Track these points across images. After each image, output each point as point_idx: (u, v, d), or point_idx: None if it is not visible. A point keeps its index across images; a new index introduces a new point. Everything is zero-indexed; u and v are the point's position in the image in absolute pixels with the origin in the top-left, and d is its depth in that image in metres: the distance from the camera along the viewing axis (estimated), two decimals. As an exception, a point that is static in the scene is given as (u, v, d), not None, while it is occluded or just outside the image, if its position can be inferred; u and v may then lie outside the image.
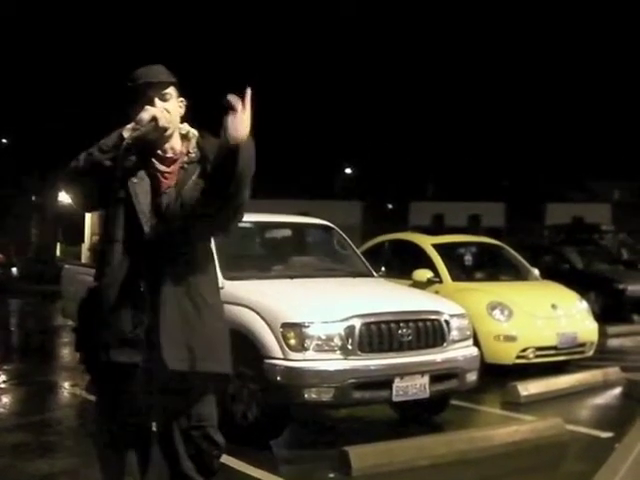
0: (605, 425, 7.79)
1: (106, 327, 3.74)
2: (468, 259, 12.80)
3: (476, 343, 8.20)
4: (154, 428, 3.99)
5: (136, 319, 3.71)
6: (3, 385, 10.16)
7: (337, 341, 6.69)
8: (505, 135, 49.47)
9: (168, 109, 3.80)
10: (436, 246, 11.87)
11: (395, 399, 6.92)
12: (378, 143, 50.92)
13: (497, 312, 10.51)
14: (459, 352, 7.43)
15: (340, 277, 8.59)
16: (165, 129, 3.78)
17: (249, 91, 3.48)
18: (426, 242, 12.08)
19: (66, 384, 10.33)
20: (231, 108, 3.43)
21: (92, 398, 8.81)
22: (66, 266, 12.11)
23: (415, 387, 6.93)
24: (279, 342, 6.64)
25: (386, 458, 6.15)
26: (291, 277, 8.04)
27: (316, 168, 50.26)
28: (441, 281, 11.20)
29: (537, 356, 10.43)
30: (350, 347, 6.71)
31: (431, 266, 11.41)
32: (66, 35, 47.78)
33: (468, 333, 7.69)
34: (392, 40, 53.56)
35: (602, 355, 11.80)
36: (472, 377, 7.52)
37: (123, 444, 3.87)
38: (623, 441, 6.47)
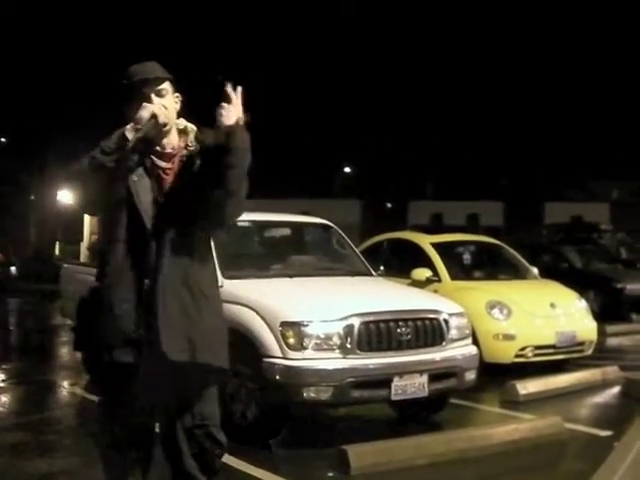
0: (604, 424, 7.79)
1: (109, 327, 3.76)
2: (467, 258, 12.80)
3: (475, 342, 8.19)
4: (157, 428, 4.00)
5: (140, 319, 3.72)
6: (2, 384, 10.15)
7: (336, 340, 6.69)
8: (504, 134, 49.47)
9: (165, 105, 3.82)
10: (435, 245, 11.87)
11: (394, 398, 6.92)
12: (377, 142, 50.91)
13: (496, 311, 10.51)
14: (458, 351, 7.43)
15: (339, 276, 8.59)
16: (164, 125, 3.79)
17: (239, 89, 3.56)
18: (425, 241, 12.08)
19: (65, 383, 10.33)
20: (226, 96, 3.51)
21: (92, 397, 8.86)
22: (65, 265, 12.13)
23: (414, 386, 6.93)
24: (278, 341, 6.64)
25: (385, 457, 6.15)
26: (290, 276, 8.04)
27: (315, 167, 50.24)
28: (440, 280, 11.20)
29: (536, 355, 10.43)
30: (349, 346, 6.72)
31: (430, 265, 11.41)
32: (65, 34, 47.75)
33: (467, 332, 7.69)
34: (392, 40, 53.56)
35: (601, 354, 11.80)
36: (471, 376, 7.53)
37: (126, 444, 3.88)
38: (622, 440, 6.47)
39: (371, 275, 8.91)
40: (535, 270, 12.56)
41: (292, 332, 6.64)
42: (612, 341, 14.39)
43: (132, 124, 3.71)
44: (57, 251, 42.58)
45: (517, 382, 8.92)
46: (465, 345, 7.60)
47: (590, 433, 7.53)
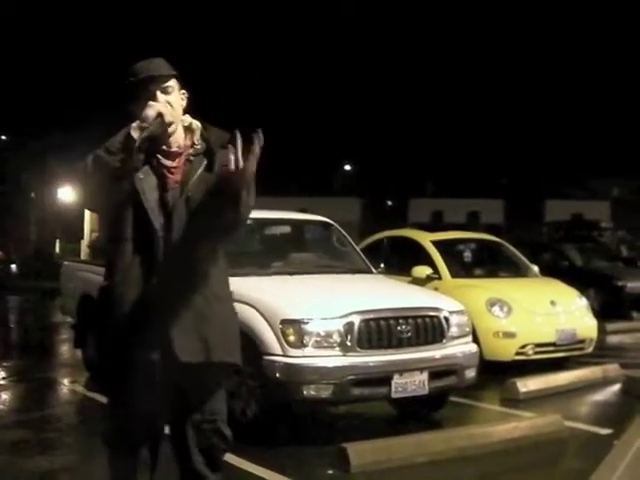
0: (604, 422, 7.79)
1: (119, 325, 3.73)
2: (467, 256, 12.80)
3: (475, 339, 8.19)
4: (165, 429, 4.00)
5: (149, 317, 3.69)
6: (3, 382, 10.16)
7: (336, 337, 6.69)
8: (504, 132, 49.48)
9: (171, 102, 3.77)
10: (435, 243, 11.87)
11: (394, 396, 6.92)
12: (377, 140, 50.93)
13: (496, 309, 10.51)
14: (458, 349, 7.43)
15: (339, 274, 8.59)
16: (170, 124, 3.75)
17: (260, 136, 3.41)
18: (425, 239, 12.08)
19: (65, 381, 10.33)
20: (234, 146, 3.40)
21: (92, 395, 8.88)
22: (65, 263, 12.11)
23: (414, 384, 6.93)
24: (278, 339, 6.65)
25: (385, 455, 6.15)
26: (290, 274, 8.04)
27: (315, 165, 50.28)
28: (440, 278, 11.20)
29: (536, 353, 10.43)
30: (349, 343, 6.72)
31: (430, 263, 11.41)
32: (66, 34, 47.76)
33: (467, 330, 7.69)
34: (392, 39, 53.63)
35: (601, 352, 11.81)
36: (471, 374, 7.53)
37: (135, 442, 3.87)
38: (622, 438, 6.47)
39: (371, 273, 8.91)
40: (535, 268, 12.56)
41: (292, 330, 6.64)
42: (612, 339, 14.39)
43: (137, 122, 3.65)
44: (57, 249, 42.62)
45: (517, 380, 8.92)
46: (465, 343, 7.60)
47: (590, 431, 7.52)
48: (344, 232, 9.43)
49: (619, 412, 8.48)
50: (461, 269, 11.99)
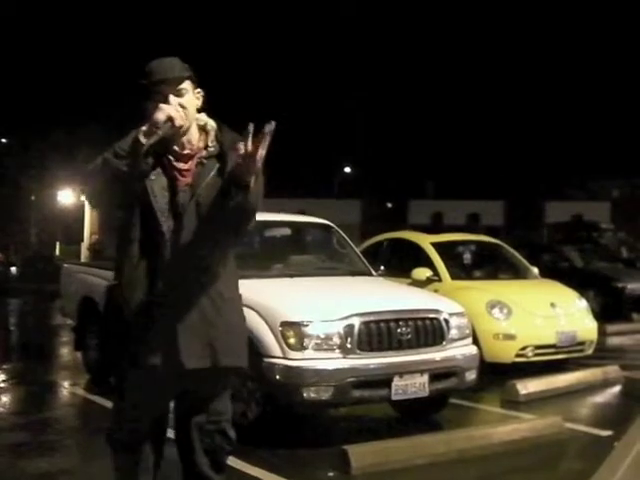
0: (604, 423, 7.78)
1: (125, 327, 3.72)
2: (467, 258, 12.80)
3: (475, 342, 8.19)
4: (169, 432, 4.00)
5: (155, 320, 3.67)
6: (3, 384, 10.15)
7: (336, 340, 6.69)
8: (504, 134, 49.49)
9: (184, 104, 3.68)
10: (435, 245, 11.86)
11: (394, 398, 6.92)
12: (377, 142, 50.96)
13: (496, 311, 10.50)
14: (458, 351, 7.43)
15: (339, 276, 8.59)
16: (181, 127, 3.67)
17: (271, 127, 3.38)
18: (425, 241, 12.07)
19: (65, 383, 10.32)
20: (252, 142, 3.36)
21: (92, 397, 8.87)
22: (65, 265, 12.11)
23: (414, 386, 6.93)
24: (278, 341, 6.65)
25: (385, 457, 6.15)
26: (290, 276, 8.04)
27: (316, 167, 50.31)
28: (440, 280, 11.19)
29: (536, 354, 10.42)
30: (349, 346, 6.72)
31: (430, 265, 11.40)
32: (68, 35, 47.77)
33: (467, 332, 7.69)
34: (392, 40, 53.64)
35: (601, 353, 11.80)
36: (471, 376, 7.52)
37: (139, 444, 3.86)
38: (622, 439, 6.46)
39: (371, 275, 8.91)
40: (535, 270, 12.56)
41: (292, 332, 6.65)
42: (613, 340, 14.38)
43: (146, 126, 3.57)
44: (57, 251, 42.64)
45: (517, 382, 8.91)
46: (465, 345, 7.60)
47: (591, 433, 7.52)
48: (344, 234, 9.43)
49: (619, 414, 8.48)
50: (461, 271, 12.00)
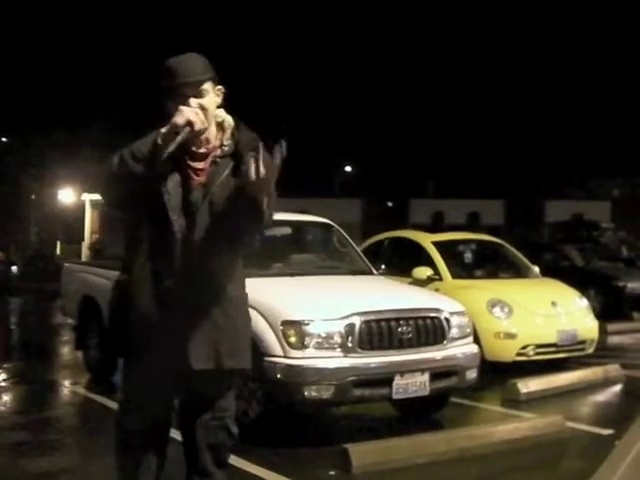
0: (605, 422, 7.78)
1: (134, 322, 3.71)
2: (468, 257, 12.79)
3: (476, 340, 8.19)
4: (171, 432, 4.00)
5: (162, 319, 3.66)
6: (3, 383, 10.16)
7: (337, 339, 6.69)
8: (504, 133, 49.48)
9: (204, 105, 3.62)
10: (436, 244, 11.86)
11: (395, 396, 6.92)
12: (378, 141, 50.96)
13: (497, 309, 10.50)
14: (459, 349, 7.43)
15: (340, 275, 8.59)
16: (200, 131, 3.61)
17: (283, 147, 3.34)
18: (426, 240, 12.07)
19: (66, 382, 10.32)
20: (256, 155, 3.31)
21: (93, 396, 8.88)
22: (66, 265, 12.11)
23: (415, 385, 6.93)
24: (279, 340, 6.64)
25: (386, 455, 6.16)
26: (291, 275, 8.04)
27: (316, 166, 50.29)
28: (441, 279, 11.19)
29: (537, 353, 10.43)
30: (350, 345, 6.72)
31: (431, 264, 11.40)
32: (66, 36, 47.78)
33: (468, 330, 7.69)
34: (392, 39, 53.66)
35: (602, 352, 11.80)
36: (472, 374, 7.52)
37: (144, 442, 3.85)
38: (623, 438, 6.47)
39: (372, 274, 8.91)
40: (536, 269, 12.56)
41: (293, 331, 6.65)
42: (613, 339, 14.37)
43: (166, 128, 3.53)
44: (58, 250, 42.65)
45: (518, 381, 8.92)
46: (466, 344, 7.60)
47: (592, 432, 7.52)
48: (345, 233, 9.43)
49: (620, 412, 8.49)
50: (462, 270, 11.99)
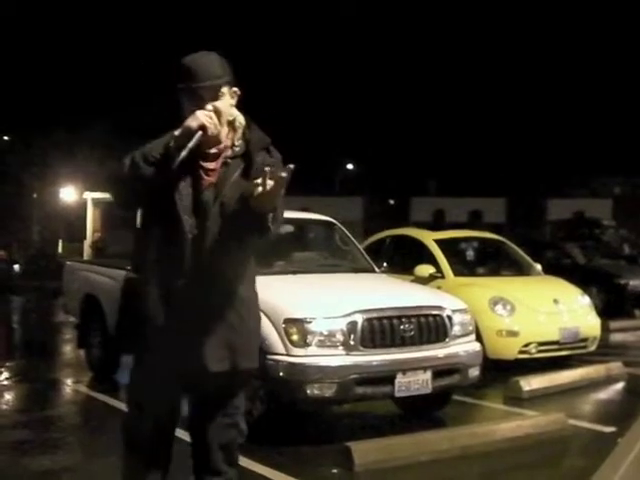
0: (608, 420, 7.78)
1: (144, 321, 3.69)
2: (470, 254, 12.79)
3: (478, 338, 8.18)
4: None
5: (174, 319, 3.64)
6: (6, 382, 10.17)
7: (339, 337, 6.69)
8: (506, 131, 49.46)
9: (219, 108, 3.61)
10: (438, 241, 11.86)
11: (397, 394, 6.92)
12: (379, 139, 50.97)
13: (499, 307, 10.50)
14: (461, 347, 7.42)
15: (342, 273, 8.59)
16: (213, 135, 3.59)
17: (290, 169, 3.38)
18: (428, 237, 12.07)
19: (68, 381, 10.33)
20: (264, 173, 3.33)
21: (95, 395, 8.88)
22: (68, 263, 12.11)
23: (417, 382, 6.93)
24: (281, 338, 6.64)
25: (388, 453, 6.16)
26: (293, 273, 8.04)
27: (318, 164, 50.28)
28: (443, 276, 11.19)
29: (539, 351, 10.42)
30: (352, 343, 6.71)
31: (433, 261, 11.40)
32: (69, 34, 47.78)
33: (470, 328, 7.68)
34: (393, 38, 53.66)
35: (604, 350, 11.80)
36: (474, 372, 7.52)
37: (150, 445, 3.83)
38: (625, 436, 6.47)
39: (374, 272, 8.90)
40: (538, 266, 12.55)
41: (295, 329, 6.64)
42: (615, 337, 14.37)
43: (179, 131, 3.53)
44: (60, 249, 42.65)
45: (521, 378, 8.91)
46: (468, 341, 7.59)
47: (594, 429, 7.52)
48: (347, 231, 9.43)
49: (622, 410, 8.49)
50: (464, 268, 11.99)
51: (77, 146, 42.98)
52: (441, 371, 7.18)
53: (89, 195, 32.71)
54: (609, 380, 9.92)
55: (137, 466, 3.86)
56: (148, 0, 51.05)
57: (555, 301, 10.94)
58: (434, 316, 7.25)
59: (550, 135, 50.39)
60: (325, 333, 6.67)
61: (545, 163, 50.20)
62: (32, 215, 49.69)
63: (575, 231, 27.11)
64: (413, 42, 52.41)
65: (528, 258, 12.74)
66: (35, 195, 49.55)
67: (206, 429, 3.87)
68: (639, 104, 46.28)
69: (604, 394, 9.56)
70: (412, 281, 10.26)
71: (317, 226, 9.75)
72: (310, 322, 6.66)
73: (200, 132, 3.52)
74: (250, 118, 3.81)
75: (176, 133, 3.53)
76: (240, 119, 3.76)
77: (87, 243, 31.93)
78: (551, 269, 13.80)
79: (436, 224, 35.61)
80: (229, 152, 3.72)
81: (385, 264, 10.46)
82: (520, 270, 12.47)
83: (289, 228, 9.51)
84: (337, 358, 6.66)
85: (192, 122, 3.52)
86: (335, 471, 6.05)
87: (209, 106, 3.58)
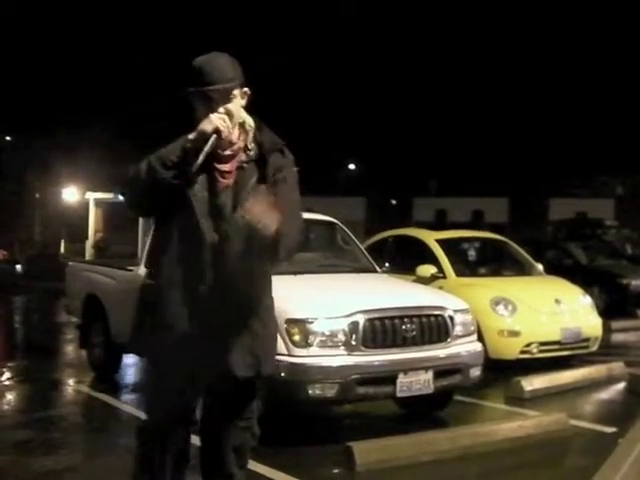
0: (609, 420, 7.79)
1: (163, 328, 3.66)
2: (472, 254, 12.80)
3: (480, 338, 8.18)
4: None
5: (193, 321, 3.62)
6: (7, 382, 10.17)
7: (341, 337, 6.69)
8: (508, 131, 49.43)
9: (231, 110, 3.61)
10: (440, 241, 11.85)
11: (399, 394, 6.92)
12: (381, 139, 50.96)
13: (501, 307, 10.50)
14: (463, 347, 7.42)
15: (344, 273, 8.59)
16: (227, 138, 3.60)
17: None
18: (430, 238, 12.07)
19: (70, 381, 10.34)
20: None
21: (97, 395, 8.88)
22: (70, 263, 12.12)
23: (419, 383, 6.93)
24: (283, 338, 6.63)
25: (390, 453, 6.16)
26: (295, 273, 8.03)
27: (320, 164, 50.28)
28: (445, 276, 11.19)
29: (541, 351, 10.42)
30: (354, 343, 6.72)
31: (435, 262, 11.40)
32: (70, 34, 47.79)
33: (472, 328, 7.68)
34: (395, 38, 53.63)
35: (606, 350, 11.80)
36: (476, 372, 7.52)
37: (165, 452, 3.80)
38: (627, 436, 6.45)
39: (376, 272, 8.91)
40: (540, 266, 12.54)
41: (297, 329, 6.64)
42: (617, 337, 14.35)
43: (193, 135, 3.53)
44: (62, 249, 42.66)
45: (522, 378, 8.91)
46: (470, 341, 7.59)
47: (595, 429, 7.52)
48: (348, 231, 9.43)
49: (624, 410, 8.49)
50: (466, 268, 11.99)
51: (79, 146, 42.98)
52: (443, 371, 7.18)
53: (91, 195, 32.72)
54: (610, 380, 9.92)
55: (151, 472, 3.82)
56: (148, 0, 51.03)
57: (557, 301, 10.94)
58: (436, 316, 7.25)
59: (552, 135, 50.36)
60: (327, 333, 6.68)
61: (547, 163, 50.17)
62: (34, 215, 49.71)
63: (577, 231, 27.11)
64: (414, 42, 52.39)
65: (530, 258, 12.73)
66: (37, 195, 49.57)
67: (221, 432, 3.87)
68: (641, 104, 46.24)
69: (605, 394, 9.56)
70: (414, 281, 10.26)
71: (319, 226, 9.75)
72: (312, 322, 6.66)
73: (215, 135, 3.53)
74: (259, 120, 3.81)
75: (191, 137, 3.54)
76: (249, 121, 3.75)
77: (89, 243, 31.92)
78: (553, 269, 13.80)
79: (438, 224, 35.62)
80: (243, 157, 3.71)
81: (387, 264, 10.47)
82: (522, 270, 12.47)
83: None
84: (339, 358, 6.66)
85: (207, 126, 3.53)
86: (336, 471, 6.06)
87: (221, 109, 3.59)
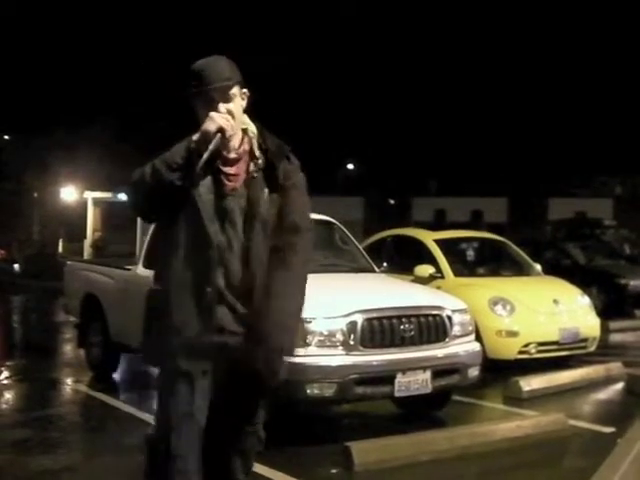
0: (607, 420, 7.79)
1: (172, 332, 3.62)
2: (470, 254, 12.79)
3: (478, 338, 8.19)
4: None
5: (202, 325, 3.59)
6: (6, 381, 10.17)
7: (339, 336, 6.70)
8: (507, 130, 49.43)
9: (232, 110, 3.60)
10: (438, 241, 11.85)
11: (397, 394, 6.93)
12: (380, 139, 50.93)
13: (499, 307, 10.50)
14: (461, 347, 7.43)
15: (342, 273, 8.59)
16: (231, 137, 3.60)
17: None
18: (428, 238, 12.07)
19: (69, 380, 10.34)
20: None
21: (95, 394, 8.88)
22: (68, 263, 12.12)
23: (417, 382, 6.94)
24: (282, 338, 6.63)
25: (388, 453, 6.16)
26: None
27: (318, 164, 50.28)
28: (443, 276, 11.19)
29: (539, 351, 10.42)
30: (352, 342, 6.72)
31: (433, 262, 11.40)
32: (70, 34, 47.79)
33: (470, 328, 7.69)
34: (394, 38, 53.61)
35: (604, 350, 11.80)
36: (474, 372, 7.52)
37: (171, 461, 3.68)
38: (625, 436, 6.46)
39: (374, 272, 8.91)
40: (538, 266, 12.55)
41: (295, 329, 6.63)
42: (615, 337, 14.37)
43: (197, 135, 3.52)
44: (60, 248, 42.67)
45: (520, 379, 8.92)
46: (468, 341, 7.60)
47: (593, 430, 7.53)
48: (347, 231, 9.43)
49: (622, 410, 8.49)
50: (464, 268, 11.99)
51: (77, 146, 42.97)
52: (441, 371, 7.19)
53: (89, 194, 32.75)
54: (609, 380, 9.92)
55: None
56: (148, 1, 51.02)
57: (555, 301, 10.94)
58: (434, 316, 7.25)
59: (551, 134, 50.33)
60: (325, 333, 6.68)
61: (546, 162, 50.13)
62: (32, 214, 49.70)
63: (576, 231, 27.10)
64: (414, 42, 52.36)
65: (528, 258, 12.74)
66: (35, 194, 49.56)
67: (229, 437, 3.85)
68: (640, 104, 46.22)
69: (604, 394, 9.57)
70: (412, 281, 10.26)
71: (317, 226, 9.61)
72: (310, 322, 6.66)
73: (219, 134, 3.52)
74: (262, 126, 3.80)
75: (194, 137, 3.54)
76: (252, 128, 3.75)
77: (87, 242, 31.97)
78: (551, 269, 13.81)
79: (437, 224, 35.61)
80: (252, 166, 3.69)
81: (385, 264, 10.46)
82: (520, 270, 12.47)
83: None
84: (337, 358, 6.67)
85: (210, 125, 3.52)
86: (335, 471, 6.07)
87: (222, 108, 3.58)
